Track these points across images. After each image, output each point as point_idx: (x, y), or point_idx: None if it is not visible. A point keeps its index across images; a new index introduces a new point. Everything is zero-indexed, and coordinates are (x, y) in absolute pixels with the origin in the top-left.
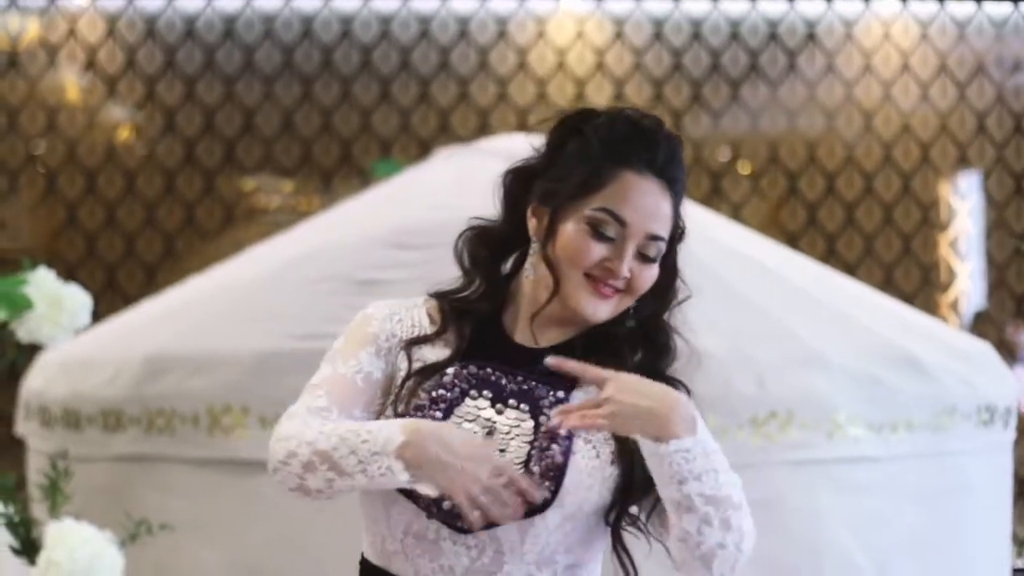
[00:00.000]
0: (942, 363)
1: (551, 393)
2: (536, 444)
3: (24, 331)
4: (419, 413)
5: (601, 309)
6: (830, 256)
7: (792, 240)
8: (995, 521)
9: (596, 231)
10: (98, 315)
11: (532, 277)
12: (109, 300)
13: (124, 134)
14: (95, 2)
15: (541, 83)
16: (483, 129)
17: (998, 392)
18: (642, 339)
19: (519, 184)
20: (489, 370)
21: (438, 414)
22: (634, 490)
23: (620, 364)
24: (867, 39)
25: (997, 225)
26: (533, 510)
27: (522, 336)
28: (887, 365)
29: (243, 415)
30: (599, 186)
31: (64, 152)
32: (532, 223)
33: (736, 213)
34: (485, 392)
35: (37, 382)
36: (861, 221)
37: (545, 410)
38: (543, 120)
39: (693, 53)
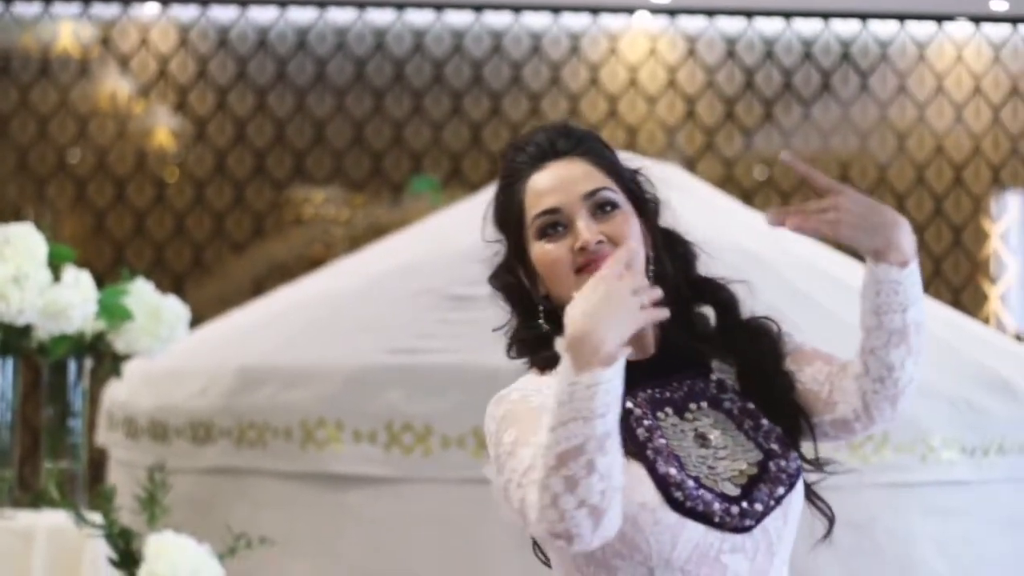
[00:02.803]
0: None
1: (707, 383)
2: (746, 428)
3: (122, 342)
4: (647, 453)
5: None
6: None
7: (861, 261)
8: None
9: (547, 235)
10: None
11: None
12: None
13: (193, 144)
14: (167, 12)
15: (612, 100)
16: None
17: None
18: (706, 304)
19: (508, 275)
20: (649, 391)
21: (662, 441)
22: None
23: (707, 342)
24: (939, 61)
25: None
26: (792, 483)
27: (631, 354)
28: (980, 388)
29: (337, 429)
30: (522, 209)
31: (132, 162)
32: (526, 282)
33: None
34: (666, 409)
35: (121, 393)
36: (930, 243)
37: (723, 398)
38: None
39: (765, 71)
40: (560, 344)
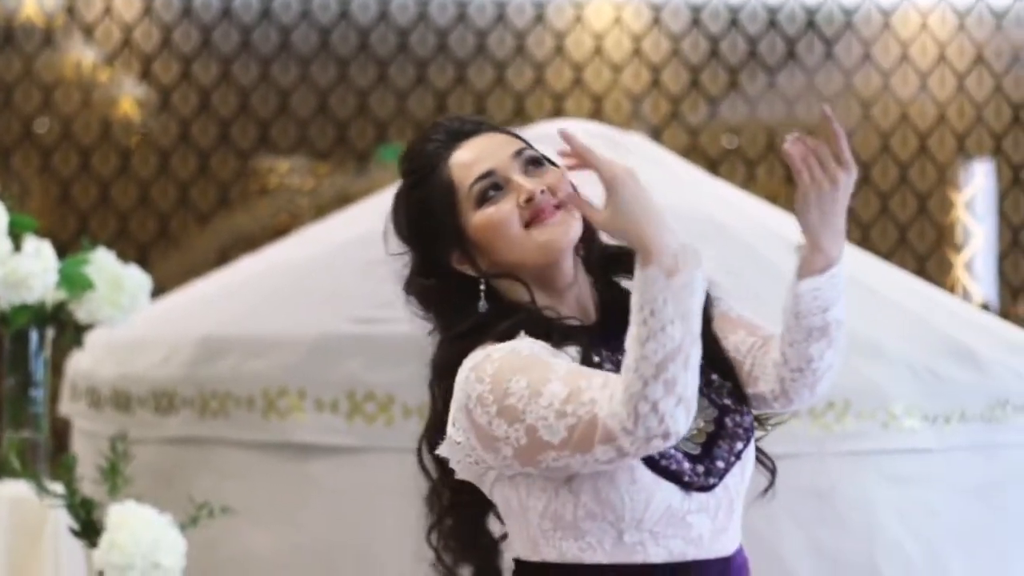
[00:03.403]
0: (996, 355)
1: None
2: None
3: (83, 312)
4: None
5: (560, 227)
6: (864, 245)
7: None
8: None
9: (487, 198)
10: None
11: (515, 287)
12: None
13: (156, 113)
14: None
15: (578, 68)
16: (518, 113)
17: None
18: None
19: (426, 279)
20: (605, 353)
21: None
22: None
23: None
24: (904, 28)
25: None
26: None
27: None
28: (943, 357)
29: (299, 399)
30: (451, 186)
31: (97, 131)
32: (464, 268)
33: (771, 201)
34: None
35: (84, 362)
36: (895, 211)
37: None
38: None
39: (730, 39)
40: (638, 260)
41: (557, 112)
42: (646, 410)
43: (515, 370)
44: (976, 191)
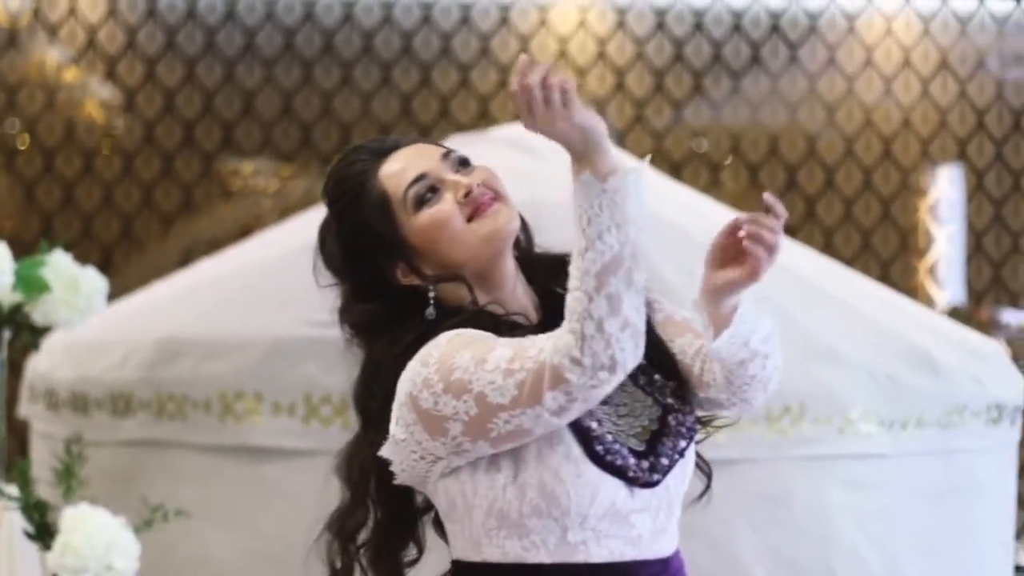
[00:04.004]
0: (954, 361)
1: None
2: (642, 384)
3: (40, 314)
4: None
5: (501, 217)
6: (827, 250)
7: (790, 233)
8: (1001, 519)
9: (425, 200)
10: None
11: (458, 289)
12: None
13: (122, 115)
14: None
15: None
16: (483, 116)
17: (1007, 391)
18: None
19: (366, 304)
20: None
21: None
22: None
23: None
24: (869, 33)
25: (995, 221)
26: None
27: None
28: (900, 362)
29: (256, 401)
30: (386, 196)
31: (61, 132)
32: (410, 280)
33: (734, 206)
34: None
35: (43, 364)
36: (859, 216)
37: None
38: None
39: (695, 43)
40: (574, 169)
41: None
42: (591, 330)
43: (460, 347)
44: (940, 196)
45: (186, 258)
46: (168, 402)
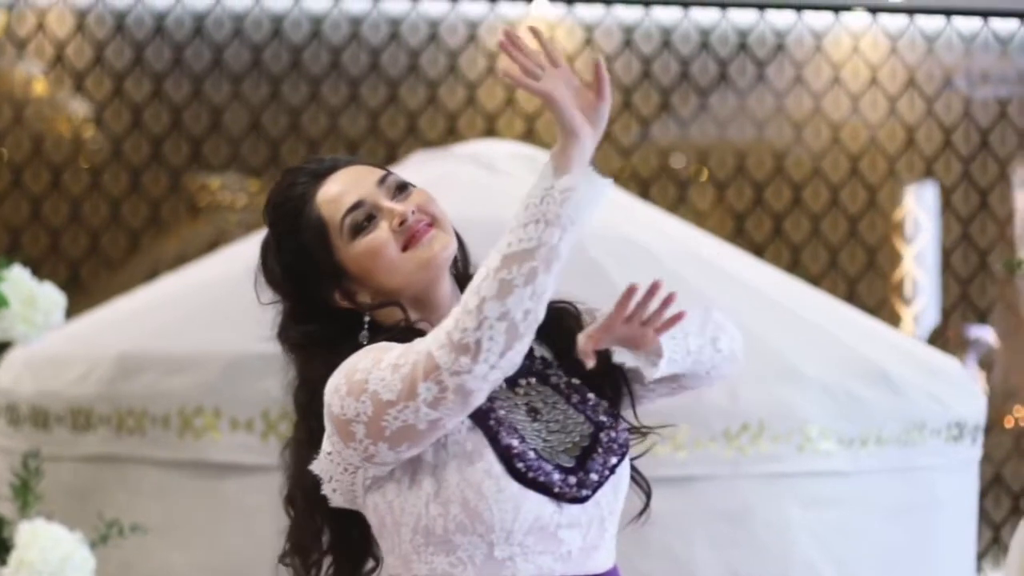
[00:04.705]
0: (913, 379)
1: (532, 359)
2: (574, 402)
3: None
4: (489, 423)
5: (436, 244)
6: (795, 267)
7: (758, 251)
8: (961, 537)
9: (361, 228)
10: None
11: (393, 313)
12: (72, 296)
13: (90, 130)
14: None
15: (509, 88)
16: (451, 132)
17: (967, 409)
18: None
19: (303, 323)
20: None
21: (502, 412)
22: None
23: None
24: (836, 51)
25: (962, 239)
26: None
27: None
28: (859, 380)
29: (215, 417)
30: (322, 222)
31: (29, 147)
32: (346, 305)
33: (701, 222)
34: (500, 384)
35: (4, 379)
36: (826, 233)
37: (549, 373)
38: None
39: (662, 61)
40: (553, 151)
41: (489, 132)
42: (471, 305)
43: (366, 353)
44: (907, 214)
45: (153, 274)
46: (128, 417)
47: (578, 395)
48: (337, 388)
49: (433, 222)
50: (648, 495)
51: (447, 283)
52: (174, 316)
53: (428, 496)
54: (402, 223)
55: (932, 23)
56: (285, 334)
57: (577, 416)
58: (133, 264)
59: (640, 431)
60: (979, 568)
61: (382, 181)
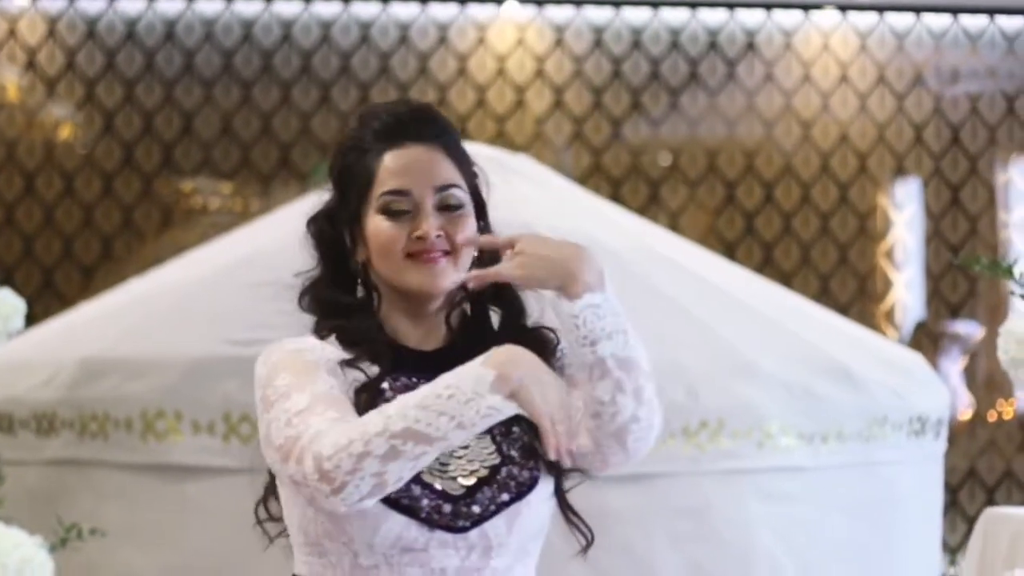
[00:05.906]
0: (874, 374)
1: None
2: (494, 432)
3: None
4: None
5: (437, 276)
6: (767, 265)
7: (730, 249)
8: (925, 531)
9: (390, 213)
10: (34, 318)
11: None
12: (46, 302)
13: (63, 135)
14: (35, 3)
15: (481, 90)
16: None
17: (929, 403)
18: (498, 307)
19: (328, 227)
20: (415, 379)
21: None
22: None
23: (491, 344)
24: (806, 49)
25: (934, 235)
26: (522, 492)
27: (416, 342)
28: (819, 375)
29: (176, 420)
30: (371, 180)
31: (2, 153)
32: (356, 254)
33: (674, 221)
34: None
35: None
36: (798, 230)
37: None
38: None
39: (633, 61)
40: (488, 363)
41: (461, 134)
42: (356, 450)
43: (287, 367)
44: (879, 210)
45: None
46: (91, 421)
47: (503, 426)
48: (258, 379)
49: (449, 252)
50: (589, 541)
51: (435, 307)
52: (137, 320)
53: (304, 501)
54: (420, 238)
55: (902, 20)
56: (313, 220)
57: (489, 446)
58: (106, 269)
59: (557, 469)
60: (953, 562)
61: (442, 188)
